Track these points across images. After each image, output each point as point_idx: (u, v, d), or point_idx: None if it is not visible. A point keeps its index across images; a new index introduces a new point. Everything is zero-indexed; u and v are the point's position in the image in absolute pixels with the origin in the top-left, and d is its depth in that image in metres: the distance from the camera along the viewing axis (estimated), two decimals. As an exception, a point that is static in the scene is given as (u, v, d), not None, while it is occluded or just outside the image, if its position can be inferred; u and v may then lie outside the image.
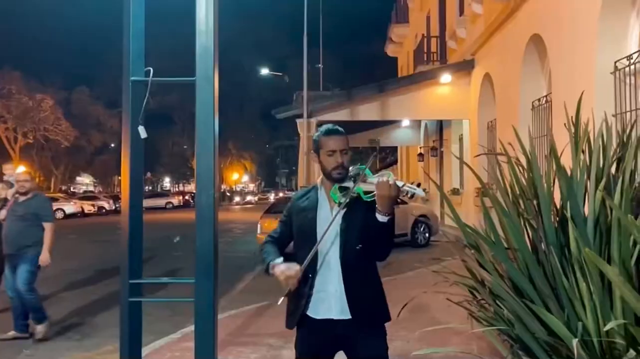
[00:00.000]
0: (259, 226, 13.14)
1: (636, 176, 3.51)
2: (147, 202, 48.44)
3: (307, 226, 2.90)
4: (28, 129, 42.46)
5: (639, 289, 2.95)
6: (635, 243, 2.91)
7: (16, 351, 6.25)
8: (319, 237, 2.79)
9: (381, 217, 2.67)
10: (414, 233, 15.07)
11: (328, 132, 2.89)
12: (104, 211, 41.00)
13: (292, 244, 3.05)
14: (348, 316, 2.80)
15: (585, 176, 3.48)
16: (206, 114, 3.37)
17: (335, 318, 2.82)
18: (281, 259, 2.84)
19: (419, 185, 2.71)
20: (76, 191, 59.94)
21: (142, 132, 3.52)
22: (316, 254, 2.80)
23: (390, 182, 2.61)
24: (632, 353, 2.56)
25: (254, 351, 5.66)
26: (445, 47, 21.53)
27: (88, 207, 39.34)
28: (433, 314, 6.58)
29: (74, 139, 44.86)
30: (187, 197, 51.58)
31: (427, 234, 15.29)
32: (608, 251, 3.06)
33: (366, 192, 2.72)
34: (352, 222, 2.80)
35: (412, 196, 2.67)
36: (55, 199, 37.73)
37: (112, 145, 55.69)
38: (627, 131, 3.92)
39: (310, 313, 2.86)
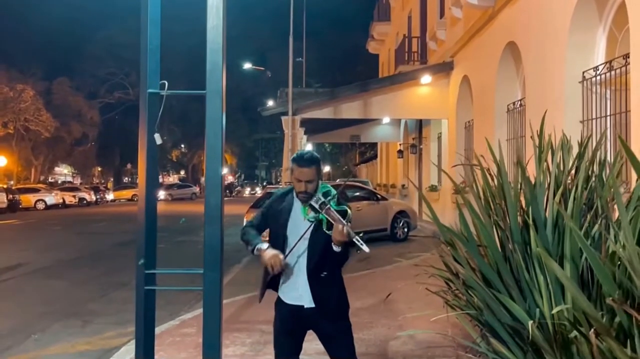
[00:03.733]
0: (245, 220, 13.59)
1: (591, 181, 4.08)
2: (176, 193, 51.20)
3: (279, 227, 3.42)
4: (8, 119, 42.20)
5: (591, 279, 3.51)
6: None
7: (26, 336, 6.72)
8: (289, 238, 3.34)
9: (336, 248, 3.21)
10: (394, 228, 15.64)
11: (300, 164, 3.28)
12: (85, 202, 40.99)
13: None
14: (313, 305, 3.38)
15: (547, 183, 4.05)
16: (215, 124, 3.81)
17: (305, 306, 3.38)
18: (267, 244, 3.37)
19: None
20: (53, 181, 59.57)
21: (158, 139, 3.99)
22: (287, 254, 3.36)
23: (344, 232, 3.08)
24: (574, 332, 3.12)
25: (248, 336, 6.17)
26: (425, 48, 22.10)
27: (69, 198, 39.26)
28: (409, 304, 7.14)
29: (54, 130, 44.64)
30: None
31: (405, 229, 15.87)
32: (563, 249, 3.63)
33: (328, 222, 3.21)
34: (318, 239, 3.27)
35: (358, 249, 3.14)
36: (37, 190, 37.81)
37: (90, 136, 55.08)
38: (585, 142, 4.49)
39: (284, 297, 3.46)
